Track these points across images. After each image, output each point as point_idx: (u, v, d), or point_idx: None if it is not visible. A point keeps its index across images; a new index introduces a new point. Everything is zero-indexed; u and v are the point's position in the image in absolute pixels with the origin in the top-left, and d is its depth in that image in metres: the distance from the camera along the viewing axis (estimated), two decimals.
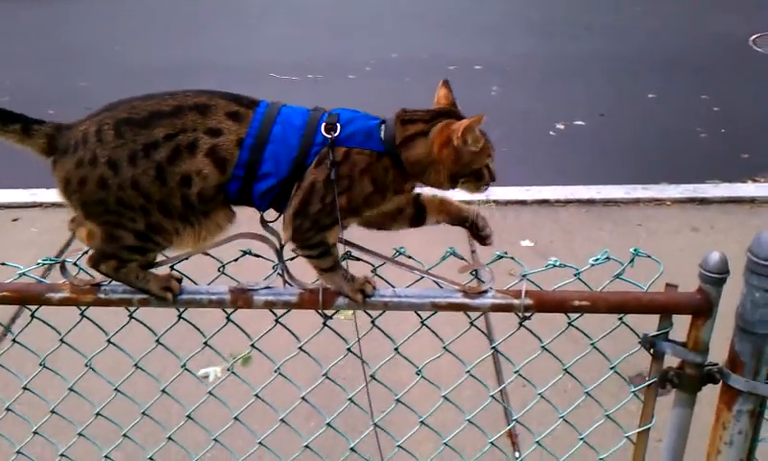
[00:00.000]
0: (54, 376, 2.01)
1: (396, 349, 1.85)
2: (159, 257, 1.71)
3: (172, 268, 1.74)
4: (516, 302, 1.68)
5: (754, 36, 8.78)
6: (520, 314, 1.71)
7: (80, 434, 2.07)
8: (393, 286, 1.70)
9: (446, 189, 1.65)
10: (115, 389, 1.97)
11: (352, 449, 2.05)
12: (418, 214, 1.74)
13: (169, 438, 2.06)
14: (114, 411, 2.05)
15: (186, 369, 1.96)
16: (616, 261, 1.71)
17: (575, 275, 1.73)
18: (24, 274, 1.78)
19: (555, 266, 1.72)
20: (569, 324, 1.77)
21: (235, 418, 1.99)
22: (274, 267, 1.72)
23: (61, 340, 1.92)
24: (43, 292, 1.74)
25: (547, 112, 6.49)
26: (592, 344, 1.83)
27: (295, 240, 1.62)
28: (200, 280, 1.76)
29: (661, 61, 8.06)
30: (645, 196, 5.12)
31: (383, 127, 1.60)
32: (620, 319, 1.76)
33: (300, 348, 1.87)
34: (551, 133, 6.24)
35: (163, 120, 1.53)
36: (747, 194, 5.16)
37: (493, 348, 1.84)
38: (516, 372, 1.87)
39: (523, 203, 4.99)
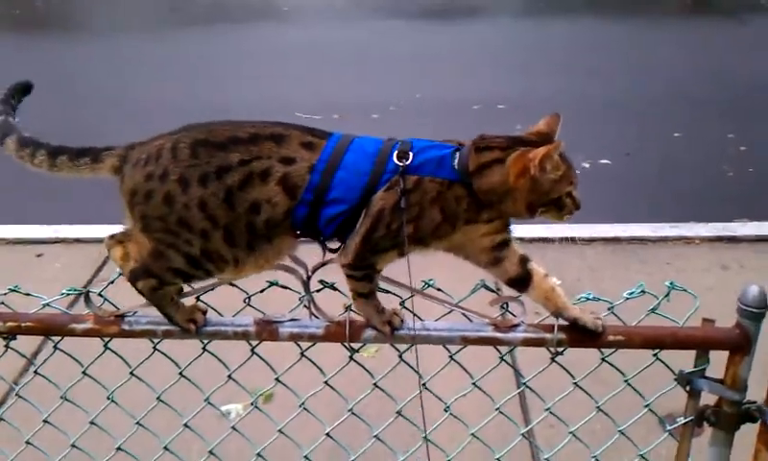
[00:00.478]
0: (76, 409, 1.98)
1: (424, 384, 1.80)
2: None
3: (198, 298, 1.71)
4: (548, 336, 1.64)
5: None
6: (552, 349, 1.66)
7: None
8: (421, 319, 1.67)
9: (524, 218, 1.60)
10: (137, 422, 1.94)
11: None
12: (521, 279, 1.64)
13: None
14: (135, 446, 2.02)
15: (210, 403, 1.92)
16: (652, 295, 1.67)
17: (609, 309, 1.69)
18: (48, 304, 1.77)
19: (588, 300, 1.68)
20: (603, 359, 1.73)
21: (258, 454, 1.95)
22: (300, 299, 1.70)
23: (84, 372, 1.90)
24: (67, 323, 1.73)
25: (572, 151, 6.33)
26: (626, 381, 1.78)
27: (350, 262, 1.59)
28: (225, 312, 1.73)
29: (688, 101, 8.01)
30: (673, 234, 5.04)
31: (457, 154, 1.57)
32: (655, 355, 1.71)
33: (325, 382, 1.84)
34: (576, 172, 6.16)
35: (240, 146, 1.54)
36: None
37: (524, 383, 1.79)
38: (546, 409, 1.83)
39: (547, 240, 4.94)
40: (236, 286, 1.70)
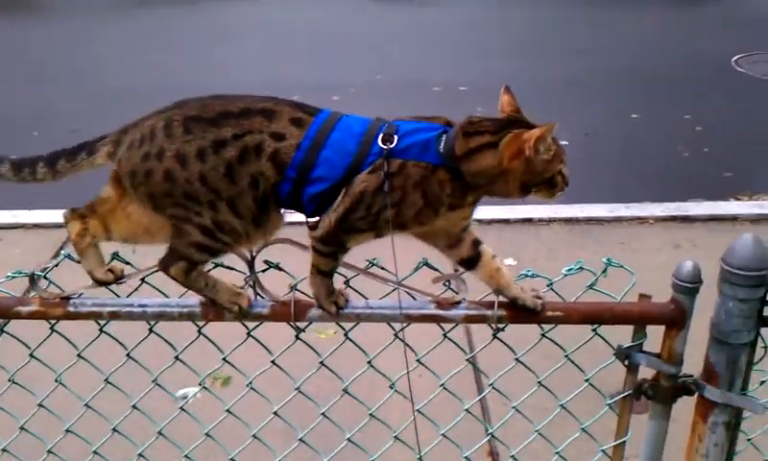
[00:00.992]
0: (25, 392, 1.97)
1: (369, 362, 1.83)
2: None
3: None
4: (489, 313, 1.67)
5: (736, 57, 8.85)
6: (494, 326, 1.70)
7: (49, 451, 2.03)
8: (366, 298, 1.69)
9: (516, 198, 1.61)
10: (85, 404, 1.94)
11: None
12: (471, 260, 1.69)
13: (140, 455, 2.03)
14: (86, 428, 2.02)
15: (158, 384, 1.93)
16: (590, 272, 1.70)
17: (548, 285, 1.72)
18: None
19: (528, 276, 1.71)
20: (543, 335, 1.76)
21: (206, 434, 1.97)
22: (245, 279, 1.71)
23: (31, 355, 1.89)
24: (12, 306, 1.72)
25: None
26: (566, 355, 1.82)
27: (320, 236, 1.60)
28: (171, 293, 1.74)
29: (645, 82, 8.11)
30: (628, 214, 5.13)
31: (443, 138, 1.57)
32: (594, 330, 1.75)
33: (272, 361, 1.86)
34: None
35: (231, 120, 1.55)
36: (729, 212, 5.18)
37: (467, 360, 1.82)
38: (490, 384, 1.86)
39: (506, 221, 4.99)
40: None
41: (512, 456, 2.00)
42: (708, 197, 5.44)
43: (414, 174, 1.55)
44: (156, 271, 1.68)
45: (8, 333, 1.85)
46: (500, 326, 1.69)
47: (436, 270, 1.72)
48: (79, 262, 1.74)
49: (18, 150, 1.83)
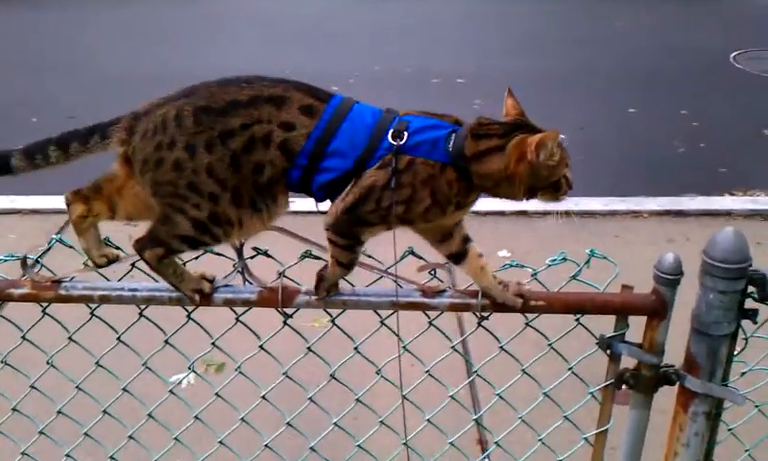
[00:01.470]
0: (17, 374, 2.00)
1: (356, 348, 1.86)
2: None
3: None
4: (473, 301, 1.70)
5: (734, 53, 8.87)
6: (478, 314, 1.73)
7: (41, 432, 2.06)
8: (353, 285, 1.72)
9: (521, 200, 1.66)
10: (77, 387, 1.97)
11: (312, 449, 2.06)
12: (459, 255, 1.72)
13: (129, 437, 2.06)
14: (80, 411, 2.05)
15: (148, 368, 1.96)
16: (575, 263, 1.73)
17: (532, 275, 1.74)
18: None
19: (511, 266, 1.74)
20: (527, 324, 1.78)
21: (196, 417, 2.00)
22: (234, 266, 1.74)
23: (23, 337, 1.91)
24: (4, 288, 1.74)
25: None
26: (550, 344, 1.85)
27: (332, 226, 1.62)
28: (161, 279, 1.76)
29: (642, 77, 8.13)
30: (622, 208, 5.16)
31: (453, 137, 1.58)
32: (577, 320, 1.78)
33: (260, 346, 1.88)
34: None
35: (240, 109, 1.56)
36: (723, 207, 5.21)
37: (453, 347, 1.85)
38: (474, 371, 1.89)
39: (502, 214, 5.01)
40: None
41: (496, 442, 2.03)
42: (703, 192, 5.47)
43: (422, 172, 1.57)
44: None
45: (1, 316, 1.87)
46: (485, 314, 1.72)
47: (421, 259, 1.74)
48: (71, 247, 1.77)
49: (18, 136, 1.84)
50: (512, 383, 1.94)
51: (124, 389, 1.98)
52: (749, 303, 1.67)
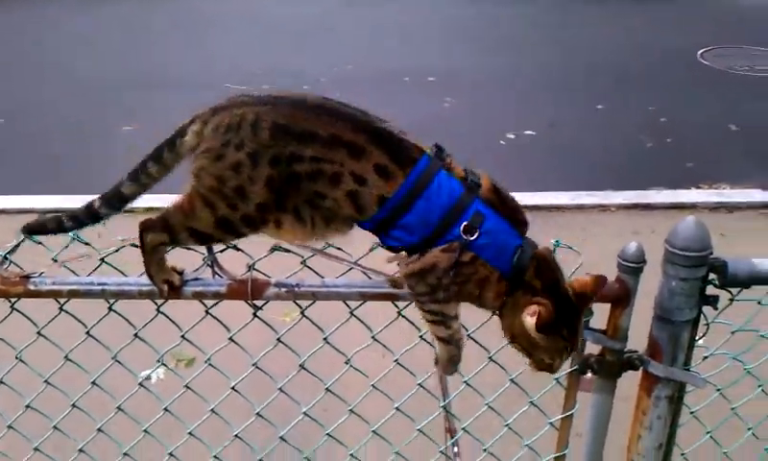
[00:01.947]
0: None
1: (325, 339, 1.88)
2: None
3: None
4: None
5: (702, 51, 9.00)
6: None
7: (9, 426, 2.06)
8: (322, 277, 1.73)
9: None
10: (45, 381, 1.96)
11: (282, 438, 2.07)
12: None
13: (98, 430, 2.06)
14: (49, 405, 2.05)
15: (118, 361, 1.96)
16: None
17: None
18: None
19: None
20: (493, 313, 1.81)
21: (165, 409, 2.00)
22: (203, 259, 1.74)
23: None
24: None
25: (498, 123, 6.55)
26: None
27: (414, 296, 1.67)
28: (129, 273, 1.76)
29: (611, 74, 8.22)
30: (590, 202, 5.23)
31: (520, 251, 1.61)
32: None
33: (230, 338, 1.89)
34: (501, 142, 6.30)
35: (317, 144, 1.55)
36: (689, 200, 5.30)
37: (421, 336, 1.87)
38: (435, 361, 1.91)
39: None
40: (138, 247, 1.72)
41: (463, 428, 2.06)
42: (671, 186, 5.55)
43: (482, 273, 1.61)
44: (118, 250, 1.71)
45: None
46: None
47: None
48: (39, 243, 1.77)
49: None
50: (479, 370, 1.97)
51: (93, 382, 1.98)
52: (710, 290, 1.71)
